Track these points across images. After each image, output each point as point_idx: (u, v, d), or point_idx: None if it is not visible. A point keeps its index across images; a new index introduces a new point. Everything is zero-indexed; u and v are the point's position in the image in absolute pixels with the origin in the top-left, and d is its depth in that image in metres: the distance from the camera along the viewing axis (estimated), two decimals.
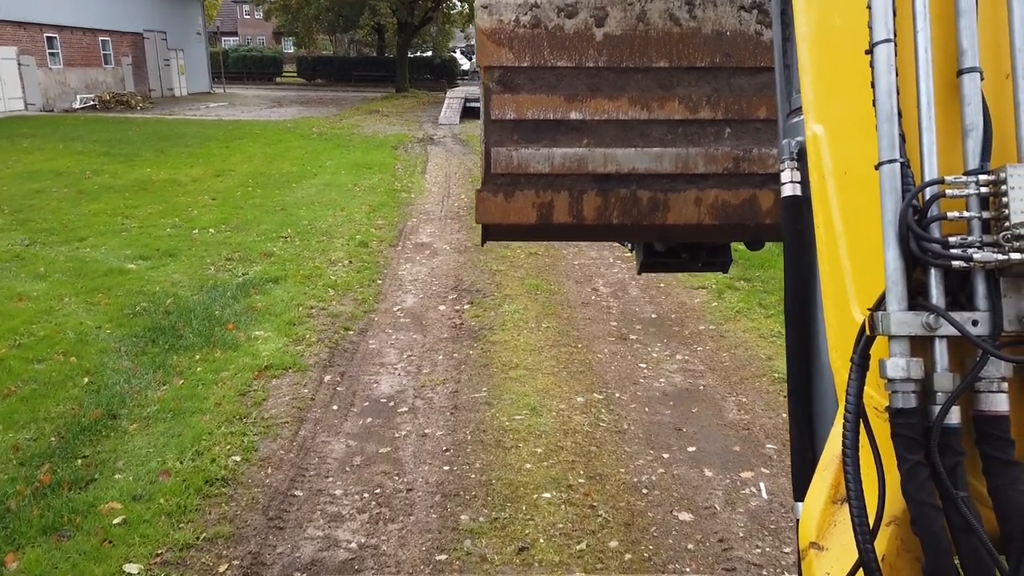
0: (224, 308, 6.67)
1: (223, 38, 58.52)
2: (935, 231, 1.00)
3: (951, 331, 0.97)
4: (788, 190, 1.35)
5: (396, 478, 4.15)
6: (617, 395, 5.19)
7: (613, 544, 3.59)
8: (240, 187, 12.77)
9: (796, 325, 1.35)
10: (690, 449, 4.46)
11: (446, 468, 4.24)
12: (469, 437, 4.59)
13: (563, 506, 3.87)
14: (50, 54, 27.45)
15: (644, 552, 3.54)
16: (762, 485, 4.06)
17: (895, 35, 1.05)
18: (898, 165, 1.03)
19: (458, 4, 41.79)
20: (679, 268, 3.17)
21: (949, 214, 0.99)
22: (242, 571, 3.38)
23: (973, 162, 1.01)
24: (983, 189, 0.98)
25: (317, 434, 4.63)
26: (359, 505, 3.89)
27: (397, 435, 4.64)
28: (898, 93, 1.04)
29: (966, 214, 0.99)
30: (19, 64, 25.65)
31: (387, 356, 5.90)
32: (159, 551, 3.49)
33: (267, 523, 3.73)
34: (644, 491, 4.02)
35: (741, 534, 3.67)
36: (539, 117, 2.29)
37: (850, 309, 1.11)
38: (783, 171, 1.36)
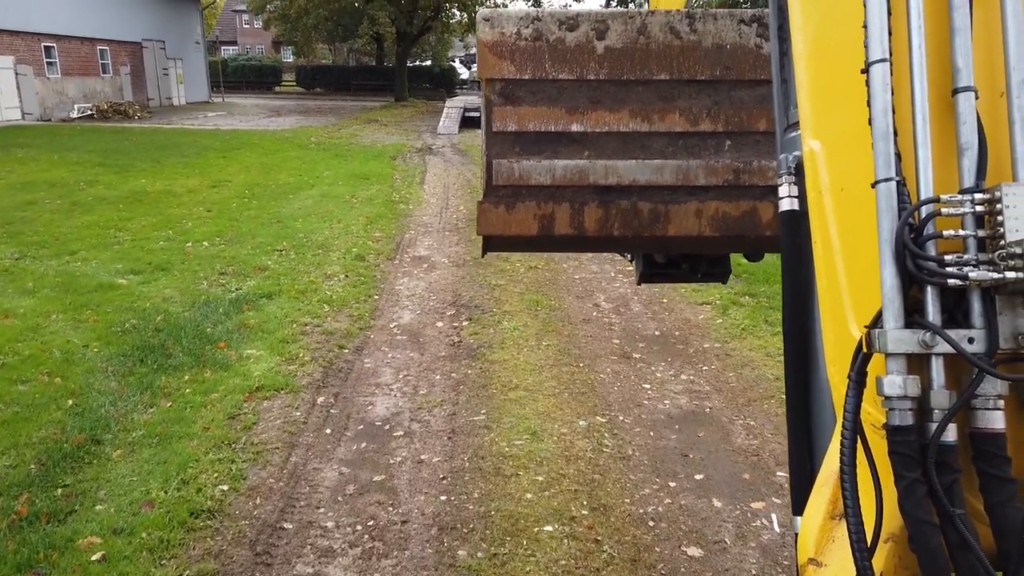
0: (216, 325, 6.49)
1: (222, 47, 58.58)
2: (931, 249, 1.01)
3: (947, 349, 0.97)
4: (786, 204, 1.35)
5: (390, 509, 3.96)
6: (621, 418, 5.01)
7: None
8: (236, 198, 12.61)
9: (794, 339, 1.35)
10: (697, 477, 4.28)
11: (443, 498, 4.06)
12: (467, 464, 4.40)
13: (566, 540, 3.68)
14: (47, 63, 27.36)
15: None
16: (774, 517, 3.88)
17: (891, 54, 1.06)
18: (894, 183, 1.03)
19: (457, 14, 41.85)
20: (679, 279, 3.16)
21: (945, 232, 1.00)
22: None
23: (968, 181, 1.01)
24: (979, 208, 0.98)
25: (308, 460, 4.44)
26: (351, 539, 3.71)
27: (392, 461, 4.46)
28: (894, 112, 1.05)
29: (962, 232, 0.99)
30: (16, 73, 25.55)
31: (383, 376, 5.72)
32: None
33: (254, 559, 3.54)
34: (651, 523, 3.84)
35: (754, 571, 3.48)
36: (540, 129, 2.30)
37: (847, 325, 1.11)
38: (781, 185, 1.36)
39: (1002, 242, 0.95)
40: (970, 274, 0.96)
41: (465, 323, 6.91)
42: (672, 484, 4.20)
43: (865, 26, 1.07)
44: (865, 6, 1.08)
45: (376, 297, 7.66)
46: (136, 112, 29.32)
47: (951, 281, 0.98)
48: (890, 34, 1.07)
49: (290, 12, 37.76)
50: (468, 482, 4.21)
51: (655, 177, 2.30)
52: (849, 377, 1.05)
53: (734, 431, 4.83)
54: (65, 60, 28.26)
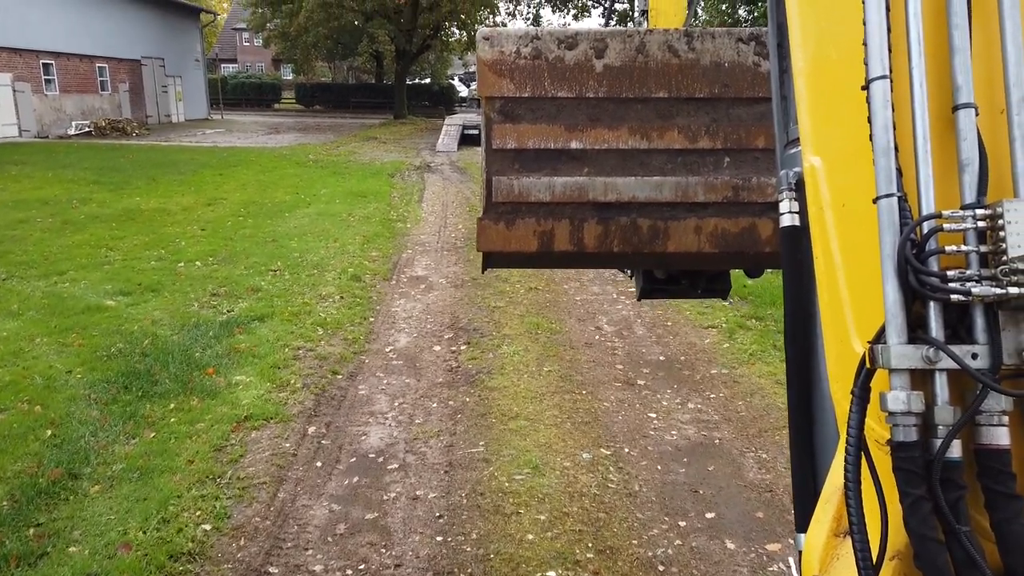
0: (205, 349, 6.26)
1: (223, 65, 58.75)
2: (933, 265, 1.00)
3: (951, 364, 0.97)
4: (787, 220, 1.35)
5: (383, 551, 3.73)
6: (626, 450, 4.78)
7: None
8: (231, 216, 12.42)
9: (796, 354, 1.34)
10: (708, 516, 4.05)
11: (439, 539, 3.82)
12: (465, 501, 4.17)
13: None
14: (46, 80, 27.29)
15: None
16: (791, 561, 3.64)
17: (891, 71, 1.06)
18: (896, 199, 1.03)
19: (456, 32, 41.96)
20: (679, 295, 3.16)
21: (947, 248, 1.00)
22: None
23: (970, 196, 1.01)
24: (980, 223, 0.98)
25: (297, 497, 4.21)
26: None
27: (386, 497, 4.22)
28: (894, 128, 1.05)
29: (964, 248, 0.99)
30: (14, 90, 25.45)
31: (377, 404, 5.49)
32: None
33: None
34: (660, 568, 3.60)
35: None
36: (540, 146, 2.31)
37: (850, 341, 1.11)
38: (781, 201, 1.36)
39: (1004, 258, 0.95)
40: (973, 290, 0.96)
41: (463, 347, 6.69)
42: (682, 524, 3.96)
43: (865, 43, 1.07)
44: (865, 24, 1.08)
45: (372, 319, 7.44)
46: (134, 129, 29.23)
47: (954, 297, 0.97)
48: (890, 51, 1.07)
49: (290, 30, 37.79)
50: (466, 521, 3.97)
51: (654, 194, 2.31)
52: (853, 393, 1.05)
53: (745, 464, 4.60)
54: (63, 77, 28.19)
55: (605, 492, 4.26)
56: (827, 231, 1.17)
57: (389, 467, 4.56)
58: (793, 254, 1.34)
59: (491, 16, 40.35)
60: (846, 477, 1.03)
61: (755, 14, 17.24)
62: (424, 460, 4.65)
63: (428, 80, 53.85)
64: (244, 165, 19.30)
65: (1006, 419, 0.98)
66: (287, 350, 6.38)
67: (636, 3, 3.66)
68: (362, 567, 3.59)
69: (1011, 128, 1.02)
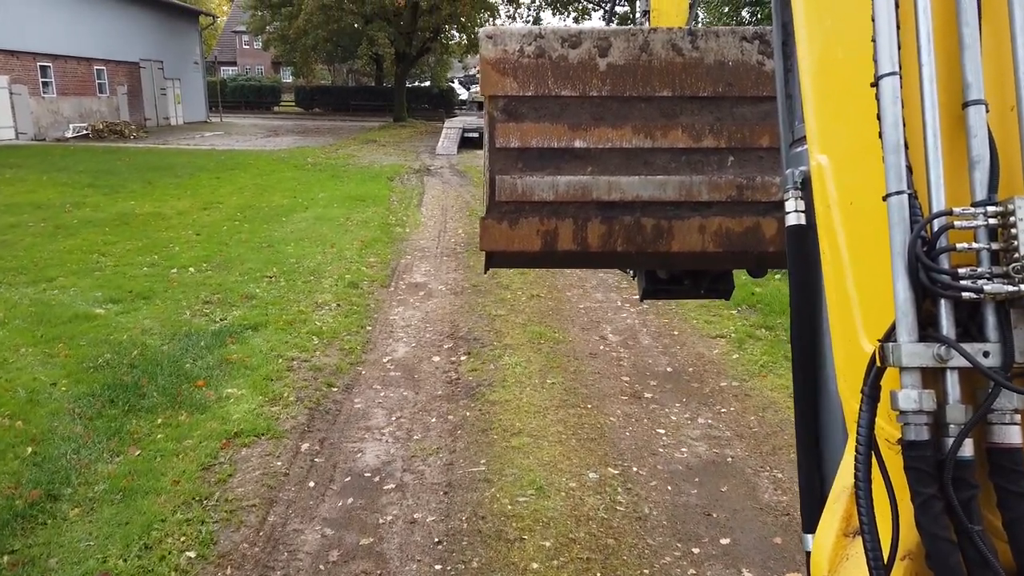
0: (195, 360, 6.04)
1: (222, 67, 58.56)
2: (944, 262, 1.00)
3: (962, 363, 0.97)
4: (793, 219, 1.34)
5: None
6: (634, 469, 4.55)
7: None
8: (227, 221, 12.21)
9: (803, 353, 1.33)
10: (723, 541, 3.82)
11: (438, 567, 3.60)
12: (465, 525, 3.94)
13: None
14: (43, 83, 27.09)
15: None
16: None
17: (900, 68, 1.05)
18: (906, 196, 1.03)
19: (456, 35, 41.80)
20: (682, 295, 3.14)
21: (958, 245, 0.99)
22: None
23: (981, 193, 1.00)
24: (991, 220, 0.98)
25: (288, 520, 3.98)
26: None
27: (382, 521, 4.00)
28: (904, 125, 1.05)
29: (975, 245, 0.99)
30: (11, 93, 25.26)
31: (374, 418, 5.26)
32: None
33: None
34: None
35: None
36: (543, 145, 2.29)
37: (858, 339, 1.10)
38: (787, 200, 1.35)
39: (1016, 255, 0.95)
40: (984, 287, 0.95)
41: (463, 357, 6.47)
42: (696, 551, 3.74)
43: (874, 40, 1.07)
44: (874, 20, 1.07)
45: (369, 328, 7.22)
46: (132, 132, 29.03)
47: (965, 294, 0.96)
48: (899, 48, 1.06)
49: (289, 33, 37.62)
50: (466, 548, 3.75)
51: (658, 193, 2.29)
52: (863, 392, 1.04)
53: (760, 485, 4.38)
54: (61, 80, 27.99)
55: (613, 515, 4.04)
56: (834, 229, 1.16)
57: (385, 487, 4.34)
58: (799, 253, 1.32)
59: (491, 19, 40.20)
60: (856, 476, 1.02)
61: (759, 15, 17.05)
62: (422, 480, 4.42)
63: (428, 83, 53.69)
64: (242, 168, 19.09)
65: (1018, 417, 0.97)
66: (281, 361, 6.15)
67: (638, 4, 3.62)
68: None
69: (1021, 125, 1.00)
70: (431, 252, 10.79)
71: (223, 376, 5.78)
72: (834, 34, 1.21)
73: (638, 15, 3.61)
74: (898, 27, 1.06)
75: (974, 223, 0.99)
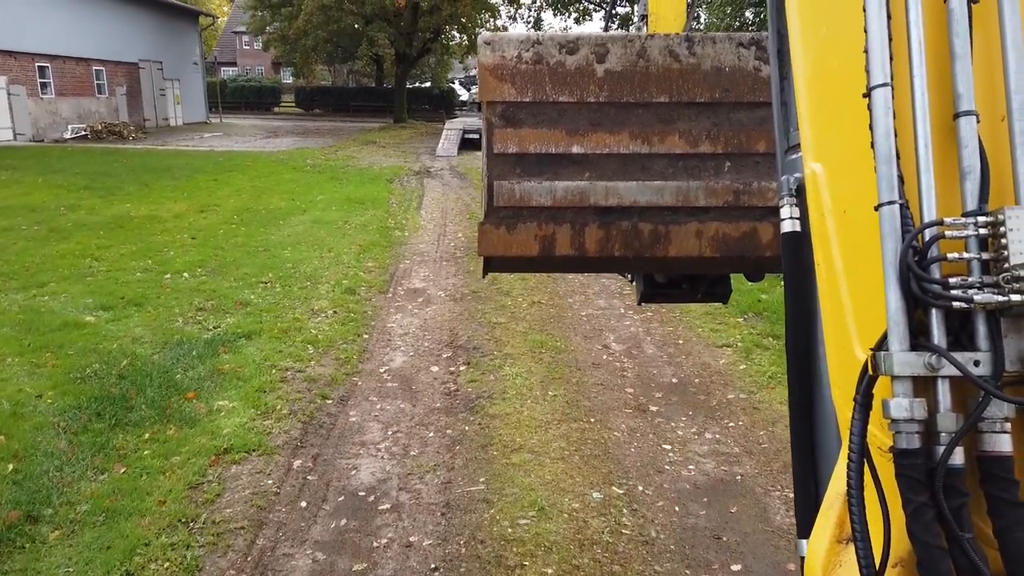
0: (186, 371, 5.86)
1: (222, 68, 58.41)
2: (935, 272, 1.00)
3: (953, 371, 0.97)
4: (787, 226, 1.34)
5: None
6: (640, 488, 4.37)
7: None
8: (224, 224, 12.03)
9: (798, 360, 1.33)
10: (735, 568, 3.64)
11: None
12: (463, 550, 3.76)
13: None
14: (41, 83, 26.92)
15: None
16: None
17: (892, 79, 1.06)
18: (898, 206, 1.03)
19: (457, 36, 41.63)
20: (680, 299, 3.16)
21: (949, 255, 1.00)
22: None
23: (971, 204, 1.01)
24: (982, 230, 0.98)
25: (278, 543, 3.80)
26: None
27: (376, 544, 3.82)
28: (896, 136, 1.05)
29: (966, 255, 0.99)
30: (9, 94, 25.09)
31: (369, 433, 5.08)
32: None
33: None
34: None
35: None
36: (541, 151, 2.30)
37: (852, 347, 1.11)
38: (782, 207, 1.35)
39: (1006, 265, 0.95)
40: (975, 297, 0.96)
41: (462, 367, 6.29)
42: None
43: (867, 51, 1.08)
44: (866, 32, 1.08)
45: (366, 336, 7.04)
46: (131, 133, 28.87)
47: (956, 304, 0.97)
48: (891, 59, 1.07)
49: (289, 33, 37.46)
50: (464, 575, 3.56)
51: (655, 198, 2.30)
52: (855, 400, 1.05)
53: (771, 505, 4.19)
54: (60, 80, 27.81)
55: (619, 539, 3.86)
56: (828, 237, 1.17)
57: (380, 507, 4.16)
58: (794, 260, 1.33)
59: (492, 19, 40.01)
60: (849, 484, 1.03)
61: (763, 16, 16.88)
62: (419, 499, 4.24)
63: (428, 84, 53.53)
64: (240, 170, 18.91)
65: (1008, 426, 0.98)
66: (274, 371, 5.97)
67: (636, 7, 3.57)
68: None
69: (1012, 135, 1.01)
70: (430, 256, 10.61)
71: (214, 388, 5.60)
72: (829, 44, 1.22)
73: (636, 18, 3.51)
74: (890, 39, 1.07)
75: (965, 233, 0.99)
